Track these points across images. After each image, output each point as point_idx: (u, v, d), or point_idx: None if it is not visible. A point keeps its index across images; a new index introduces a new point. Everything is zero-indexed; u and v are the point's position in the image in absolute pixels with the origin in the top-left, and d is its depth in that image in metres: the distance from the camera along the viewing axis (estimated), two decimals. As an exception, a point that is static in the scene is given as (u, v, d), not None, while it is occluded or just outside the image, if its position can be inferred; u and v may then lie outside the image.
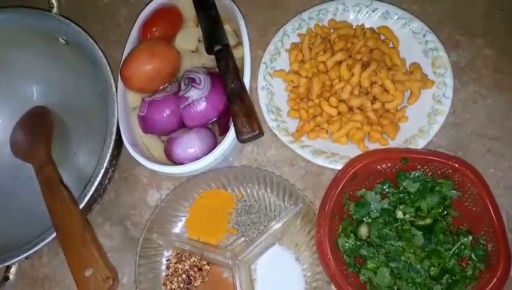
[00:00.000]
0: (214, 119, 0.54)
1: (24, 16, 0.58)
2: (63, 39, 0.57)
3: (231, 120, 0.50)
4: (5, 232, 0.58)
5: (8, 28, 0.58)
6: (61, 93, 0.63)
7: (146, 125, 0.55)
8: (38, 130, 0.60)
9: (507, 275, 0.47)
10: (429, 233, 0.51)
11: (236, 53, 0.56)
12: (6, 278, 0.51)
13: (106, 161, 0.51)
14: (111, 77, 0.53)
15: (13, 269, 0.51)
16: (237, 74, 0.51)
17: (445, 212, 0.52)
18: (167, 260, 0.57)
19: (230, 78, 0.50)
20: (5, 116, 0.64)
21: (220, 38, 0.54)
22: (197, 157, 0.52)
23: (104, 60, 0.53)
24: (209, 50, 0.55)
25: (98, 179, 0.50)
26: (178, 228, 0.58)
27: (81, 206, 0.49)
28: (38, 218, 0.54)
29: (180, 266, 0.56)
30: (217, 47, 0.53)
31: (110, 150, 0.51)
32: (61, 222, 0.47)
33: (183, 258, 0.56)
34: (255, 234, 0.56)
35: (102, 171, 0.50)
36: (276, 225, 0.53)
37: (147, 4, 0.58)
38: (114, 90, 0.53)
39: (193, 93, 0.52)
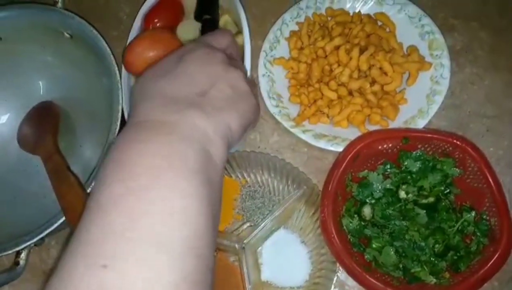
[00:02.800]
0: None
1: (29, 12, 0.59)
2: (67, 33, 0.59)
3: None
4: (14, 223, 0.58)
5: (14, 24, 0.60)
6: (66, 87, 0.64)
7: None
8: (44, 123, 0.61)
9: (511, 247, 0.48)
10: (433, 211, 0.52)
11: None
12: (16, 263, 0.51)
13: (112, 147, 0.51)
14: (115, 65, 0.54)
15: (23, 255, 0.52)
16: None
17: (447, 190, 0.53)
18: (173, 247, 0.58)
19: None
20: (13, 111, 0.65)
21: (212, 11, 0.57)
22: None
23: (108, 50, 0.55)
24: (197, 17, 0.57)
25: (104, 164, 0.51)
26: (183, 215, 0.59)
27: (88, 190, 0.50)
28: (45, 210, 0.55)
29: (186, 252, 0.56)
30: (206, 16, 0.56)
31: (115, 136, 0.52)
32: (69, 205, 0.48)
33: (190, 245, 0.57)
34: (260, 219, 0.57)
35: (108, 156, 0.51)
36: (280, 209, 0.54)
37: (149, -3, 0.60)
38: (118, 79, 0.54)
39: None
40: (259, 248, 0.56)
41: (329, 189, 0.52)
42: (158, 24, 0.57)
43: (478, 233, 0.50)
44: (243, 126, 0.40)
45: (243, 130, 0.40)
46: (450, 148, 0.52)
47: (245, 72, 0.44)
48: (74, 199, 0.48)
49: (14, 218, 0.60)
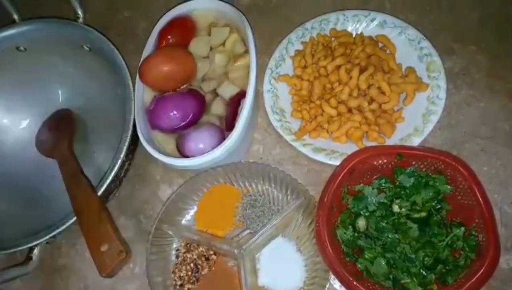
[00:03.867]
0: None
1: (53, 26, 0.64)
2: (87, 46, 0.63)
3: (237, 117, 0.55)
4: (30, 221, 0.62)
5: (38, 37, 0.65)
6: (83, 96, 0.69)
7: (152, 119, 0.59)
8: (62, 129, 0.66)
9: (496, 263, 0.49)
10: (424, 225, 0.54)
11: (243, 60, 0.61)
12: (29, 258, 0.55)
13: (123, 153, 0.55)
14: (130, 78, 0.58)
15: (35, 251, 0.55)
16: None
17: (439, 206, 0.55)
18: (176, 250, 0.61)
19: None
20: (32, 117, 0.70)
21: None
22: (207, 151, 0.56)
23: (124, 63, 0.59)
24: None
25: (115, 170, 0.55)
26: (187, 220, 0.62)
27: (99, 193, 0.54)
28: (57, 211, 0.59)
29: (188, 256, 0.59)
30: None
31: (126, 144, 0.55)
32: (81, 207, 0.51)
33: (192, 248, 0.60)
34: (259, 227, 0.59)
35: (119, 162, 0.55)
36: (279, 218, 0.56)
37: (163, 15, 0.64)
38: (132, 90, 0.58)
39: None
40: (257, 254, 0.59)
41: (325, 200, 0.54)
42: (171, 40, 0.62)
43: (467, 248, 0.52)
44: None
45: None
46: (442, 166, 0.54)
47: None
48: (85, 201, 0.52)
49: (29, 217, 0.64)
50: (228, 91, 0.61)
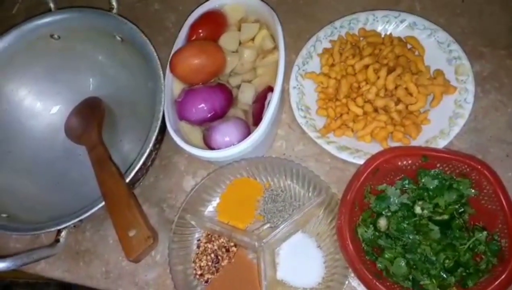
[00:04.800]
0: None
1: (87, 15, 0.66)
2: (119, 36, 0.65)
3: (264, 112, 0.56)
4: (57, 205, 0.64)
5: (72, 26, 0.66)
6: (113, 86, 0.70)
7: (181, 110, 0.60)
8: (91, 116, 0.67)
9: (519, 268, 0.49)
10: (446, 228, 0.54)
11: (272, 56, 0.62)
12: (57, 241, 0.57)
13: (152, 143, 0.56)
14: (161, 69, 0.60)
15: (63, 233, 0.57)
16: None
17: (462, 209, 0.55)
18: (198, 240, 0.62)
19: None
20: (63, 103, 0.72)
21: None
22: (232, 144, 0.57)
23: (155, 54, 0.60)
24: None
25: (143, 158, 0.56)
26: (210, 211, 0.63)
27: (127, 180, 0.55)
28: (85, 196, 0.61)
29: (209, 246, 0.60)
30: None
31: (155, 134, 0.57)
32: (109, 192, 0.53)
33: (213, 239, 0.61)
34: (280, 221, 0.60)
35: (147, 151, 0.56)
36: (300, 213, 0.57)
37: (195, 9, 0.65)
38: (162, 81, 0.59)
39: None
40: (277, 249, 0.60)
41: (347, 198, 0.55)
42: (202, 34, 0.63)
43: (489, 253, 0.52)
44: None
45: None
46: (468, 170, 0.54)
47: None
48: (114, 186, 0.53)
49: (57, 201, 0.66)
50: (255, 86, 0.62)
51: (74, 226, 0.58)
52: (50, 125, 0.72)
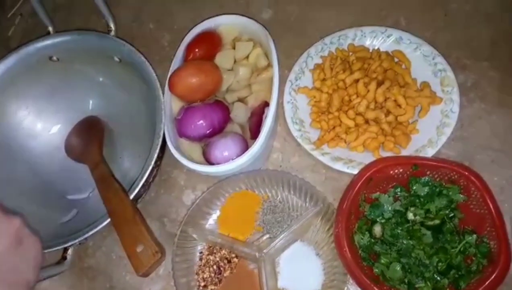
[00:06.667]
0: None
1: (86, 38, 0.68)
2: (117, 57, 0.67)
3: (262, 126, 0.58)
4: (61, 224, 0.65)
5: (71, 48, 0.68)
6: (112, 105, 0.72)
7: (181, 127, 0.63)
8: (91, 135, 0.69)
9: (508, 269, 0.52)
10: (437, 232, 0.57)
11: (266, 73, 0.64)
12: (64, 258, 0.58)
13: (153, 160, 0.58)
14: (160, 89, 0.62)
15: (70, 251, 0.59)
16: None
17: (452, 214, 0.57)
18: (200, 252, 0.64)
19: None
20: (63, 123, 0.73)
21: None
22: (231, 159, 0.59)
23: (154, 75, 0.62)
24: None
25: (146, 175, 0.58)
26: (210, 224, 0.65)
27: (130, 197, 0.57)
28: (88, 213, 0.63)
29: (211, 258, 0.62)
30: None
31: (157, 151, 0.59)
32: (114, 209, 0.55)
33: (214, 251, 0.63)
34: (279, 232, 0.62)
35: (150, 168, 0.58)
36: (298, 223, 0.59)
37: (190, 29, 0.68)
38: (162, 100, 0.61)
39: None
40: (277, 258, 0.62)
41: (343, 207, 0.57)
42: (198, 53, 0.65)
43: (479, 254, 0.54)
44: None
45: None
46: (456, 176, 0.57)
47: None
48: (119, 203, 0.55)
49: (58, 218, 0.67)
50: (251, 103, 0.64)
51: (80, 243, 0.60)
52: (50, 144, 0.73)
